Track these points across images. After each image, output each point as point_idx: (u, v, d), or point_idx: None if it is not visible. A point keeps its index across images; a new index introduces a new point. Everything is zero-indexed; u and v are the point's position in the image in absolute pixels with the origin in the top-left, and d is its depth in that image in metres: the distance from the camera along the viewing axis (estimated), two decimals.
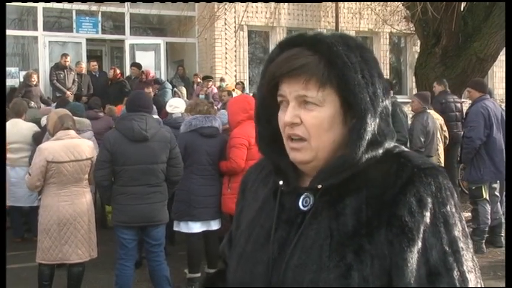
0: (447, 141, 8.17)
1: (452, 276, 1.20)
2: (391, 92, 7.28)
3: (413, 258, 1.20)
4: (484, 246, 6.71)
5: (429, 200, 1.23)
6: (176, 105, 7.13)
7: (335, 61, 1.27)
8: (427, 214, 1.22)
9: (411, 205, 1.22)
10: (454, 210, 1.25)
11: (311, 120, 1.28)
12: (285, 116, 1.30)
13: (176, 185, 5.21)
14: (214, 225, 5.69)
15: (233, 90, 11.34)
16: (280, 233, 1.33)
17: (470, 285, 1.22)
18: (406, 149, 1.36)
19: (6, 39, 11.19)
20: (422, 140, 7.34)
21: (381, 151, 1.31)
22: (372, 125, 1.28)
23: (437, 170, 1.28)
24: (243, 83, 13.67)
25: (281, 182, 1.38)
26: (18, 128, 6.99)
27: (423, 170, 1.26)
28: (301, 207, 1.34)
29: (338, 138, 1.31)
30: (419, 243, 1.21)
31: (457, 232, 1.24)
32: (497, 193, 7.15)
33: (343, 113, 1.30)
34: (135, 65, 13.46)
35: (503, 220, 7.21)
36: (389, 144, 1.33)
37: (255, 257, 1.35)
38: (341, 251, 1.23)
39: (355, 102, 1.26)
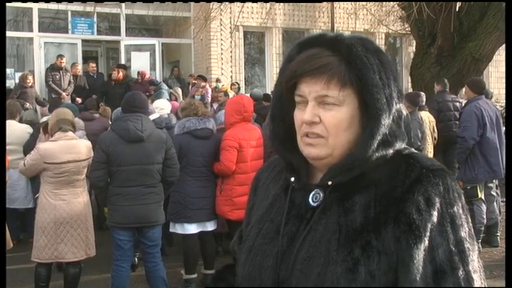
0: (435, 142, 8.19)
1: (457, 275, 1.22)
2: None
3: (420, 255, 1.22)
4: (480, 245, 6.71)
5: (437, 199, 1.25)
6: (162, 107, 7.15)
7: (355, 62, 1.30)
8: (435, 213, 1.24)
9: (419, 203, 1.24)
10: (461, 211, 1.28)
11: (330, 119, 1.31)
12: (305, 114, 1.32)
13: (172, 185, 5.21)
14: (210, 226, 5.68)
15: (227, 90, 11.34)
16: (290, 227, 1.36)
17: (475, 285, 1.24)
18: (415, 151, 1.39)
19: (6, 40, 11.16)
20: (420, 138, 7.36)
21: (391, 151, 1.33)
22: (384, 126, 1.30)
23: (445, 172, 1.30)
24: (238, 84, 13.66)
25: (292, 179, 1.41)
26: (12, 130, 6.96)
27: (432, 171, 1.29)
28: (311, 203, 1.36)
29: (354, 138, 1.33)
30: (426, 242, 1.23)
31: (464, 233, 1.26)
32: (493, 192, 7.15)
33: (360, 114, 1.32)
34: (121, 67, 13.46)
35: (499, 219, 7.23)
36: (400, 145, 1.36)
37: (264, 250, 1.37)
38: (349, 246, 1.25)
39: (371, 103, 1.29)
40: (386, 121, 1.30)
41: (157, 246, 5.14)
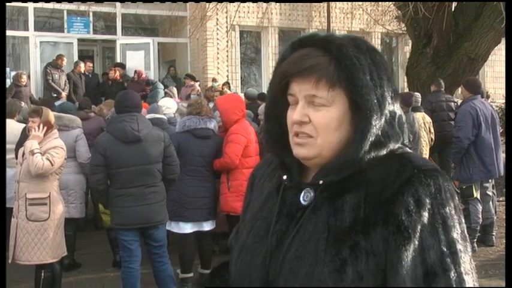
0: (433, 143, 8.20)
1: (449, 277, 1.21)
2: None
3: (409, 257, 1.21)
4: (475, 245, 6.74)
5: (428, 200, 1.24)
6: (168, 106, 7.14)
7: (344, 62, 1.29)
8: (425, 214, 1.23)
9: (408, 204, 1.23)
10: (453, 212, 1.26)
11: (319, 119, 1.30)
12: (294, 114, 1.32)
13: (173, 183, 5.16)
14: (207, 226, 5.66)
15: (219, 90, 11.35)
16: (280, 226, 1.36)
17: (466, 286, 1.22)
18: (409, 151, 1.38)
19: (6, 39, 11.12)
20: (410, 138, 7.37)
21: (384, 152, 1.33)
22: (376, 127, 1.29)
23: (438, 172, 1.29)
24: (229, 83, 13.60)
25: (285, 177, 1.41)
26: (10, 129, 6.95)
27: (423, 171, 1.28)
28: (302, 201, 1.36)
29: (345, 138, 1.32)
30: (416, 243, 1.21)
31: (456, 234, 1.25)
32: (489, 192, 7.17)
33: (351, 113, 1.32)
34: (119, 65, 13.45)
35: (495, 219, 7.25)
36: (394, 146, 1.35)
37: (254, 248, 1.37)
38: (337, 246, 1.25)
39: (361, 103, 1.29)
40: (377, 122, 1.29)
41: (163, 246, 5.07)
